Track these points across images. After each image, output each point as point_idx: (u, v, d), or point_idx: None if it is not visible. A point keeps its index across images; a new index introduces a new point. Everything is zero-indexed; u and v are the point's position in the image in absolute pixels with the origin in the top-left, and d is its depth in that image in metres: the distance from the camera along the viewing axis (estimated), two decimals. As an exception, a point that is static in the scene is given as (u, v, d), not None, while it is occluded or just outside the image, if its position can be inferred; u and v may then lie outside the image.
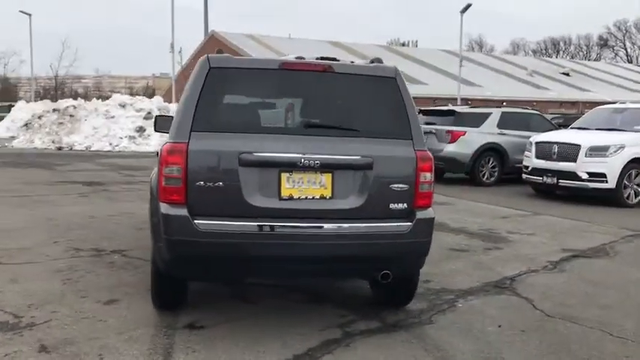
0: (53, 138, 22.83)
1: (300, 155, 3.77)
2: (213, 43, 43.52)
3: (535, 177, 11.55)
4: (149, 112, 22.17)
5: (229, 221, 3.70)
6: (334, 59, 4.27)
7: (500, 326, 4.36)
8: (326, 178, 3.85)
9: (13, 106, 34.05)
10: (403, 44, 63.97)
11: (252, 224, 3.70)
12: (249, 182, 3.74)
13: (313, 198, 3.84)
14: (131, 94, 37.70)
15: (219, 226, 3.68)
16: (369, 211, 3.89)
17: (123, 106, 23.18)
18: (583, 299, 5.07)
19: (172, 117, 4.19)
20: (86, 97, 46.20)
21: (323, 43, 46.41)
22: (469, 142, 13.36)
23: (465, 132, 13.40)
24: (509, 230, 8.09)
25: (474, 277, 5.67)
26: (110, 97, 26.58)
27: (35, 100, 36.68)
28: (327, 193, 3.86)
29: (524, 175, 11.91)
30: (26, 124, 25.60)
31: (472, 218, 9.04)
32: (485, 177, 13.51)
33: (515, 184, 13.14)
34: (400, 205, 3.95)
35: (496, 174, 13.55)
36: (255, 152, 3.75)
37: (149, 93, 61.49)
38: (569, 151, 10.91)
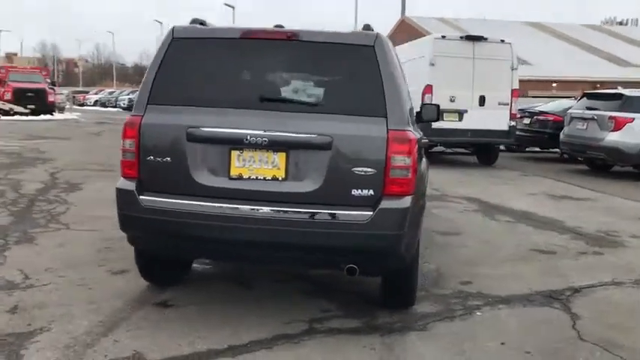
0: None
1: (248, 131, 3.46)
2: (403, 28, 43.15)
3: None
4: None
5: (171, 199, 3.53)
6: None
7: (503, 343, 3.63)
8: (279, 158, 3.49)
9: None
10: (620, 23, 57.41)
11: (191, 203, 3.49)
12: (197, 159, 3.53)
13: (264, 179, 3.50)
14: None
15: (161, 204, 3.53)
16: (326, 196, 3.44)
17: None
18: (653, 325, 4.02)
19: None
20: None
21: (520, 24, 43.46)
22: (638, 130, 11.49)
23: (633, 119, 11.53)
24: (634, 234, 6.77)
25: (531, 283, 4.81)
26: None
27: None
28: (280, 174, 3.49)
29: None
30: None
31: (600, 217, 7.75)
32: (659, 172, 11.53)
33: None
34: (365, 192, 3.43)
35: (673, 168, 11.50)
36: (202, 127, 3.52)
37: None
38: None
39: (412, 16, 44.51)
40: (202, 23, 3.92)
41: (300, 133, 3.46)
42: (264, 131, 3.45)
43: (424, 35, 38.82)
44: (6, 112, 25.65)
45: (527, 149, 16.87)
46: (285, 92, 3.67)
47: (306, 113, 3.54)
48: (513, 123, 12.94)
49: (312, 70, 3.72)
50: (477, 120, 12.60)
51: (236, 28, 3.79)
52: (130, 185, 3.62)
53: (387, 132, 3.45)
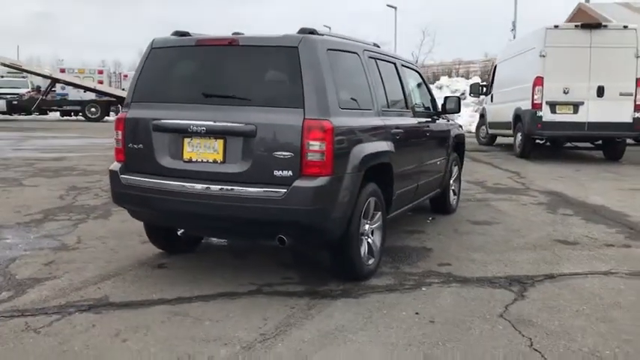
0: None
1: (192, 122, 4.19)
2: (580, 15, 40.17)
3: None
4: (462, 93, 22.56)
5: (141, 177, 4.38)
6: None
7: (417, 313, 3.92)
8: (219, 144, 4.17)
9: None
10: None
11: (152, 181, 4.30)
12: (160, 145, 4.34)
13: (207, 161, 4.20)
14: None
15: (134, 181, 4.40)
16: (253, 176, 4.04)
17: (440, 87, 24.19)
18: (593, 312, 3.98)
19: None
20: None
21: None
22: None
23: None
24: (697, 230, 6.28)
25: (513, 269, 4.90)
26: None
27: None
28: (219, 158, 4.17)
29: None
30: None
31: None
32: None
33: None
34: (285, 173, 3.97)
35: None
36: (162, 119, 4.33)
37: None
38: None
39: (591, 2, 41.30)
40: (184, 34, 4.70)
41: (230, 123, 4.11)
42: (201, 121, 4.16)
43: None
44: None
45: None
46: (226, 89, 4.31)
47: (239, 106, 4.17)
48: (639, 115, 11.99)
49: (249, 70, 4.32)
50: (595, 112, 11.94)
51: (194, 37, 4.53)
52: (116, 167, 4.54)
53: (304, 121, 3.95)
